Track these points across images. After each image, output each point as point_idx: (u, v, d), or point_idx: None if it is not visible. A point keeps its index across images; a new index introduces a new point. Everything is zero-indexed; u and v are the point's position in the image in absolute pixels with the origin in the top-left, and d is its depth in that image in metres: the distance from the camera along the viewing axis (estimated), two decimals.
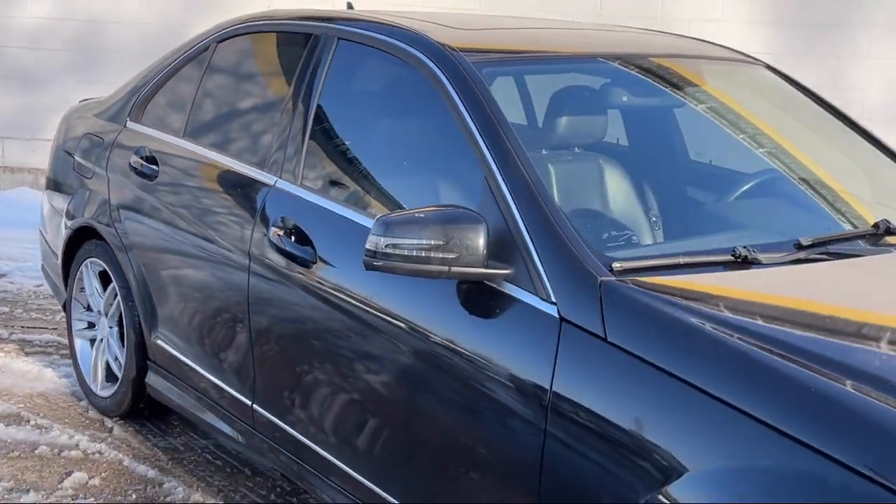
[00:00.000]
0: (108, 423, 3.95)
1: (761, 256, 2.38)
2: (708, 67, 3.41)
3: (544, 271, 2.30)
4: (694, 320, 2.07)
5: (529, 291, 2.31)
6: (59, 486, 3.44)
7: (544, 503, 2.19)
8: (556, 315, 2.24)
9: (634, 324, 2.13)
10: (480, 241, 2.31)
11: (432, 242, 2.30)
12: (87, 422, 3.97)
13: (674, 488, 1.93)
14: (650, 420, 2.03)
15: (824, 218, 3.00)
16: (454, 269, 2.31)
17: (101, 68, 7.73)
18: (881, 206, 3.18)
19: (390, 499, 2.66)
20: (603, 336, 2.15)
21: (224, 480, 3.54)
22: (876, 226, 2.69)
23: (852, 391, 1.85)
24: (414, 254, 2.31)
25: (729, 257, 2.38)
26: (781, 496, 1.80)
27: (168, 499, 3.40)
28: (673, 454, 1.97)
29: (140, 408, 3.89)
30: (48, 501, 3.33)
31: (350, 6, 3.98)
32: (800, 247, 2.48)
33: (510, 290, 2.34)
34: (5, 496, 3.35)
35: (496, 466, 2.34)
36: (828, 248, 2.49)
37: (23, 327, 5.01)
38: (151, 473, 3.56)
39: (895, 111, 8.00)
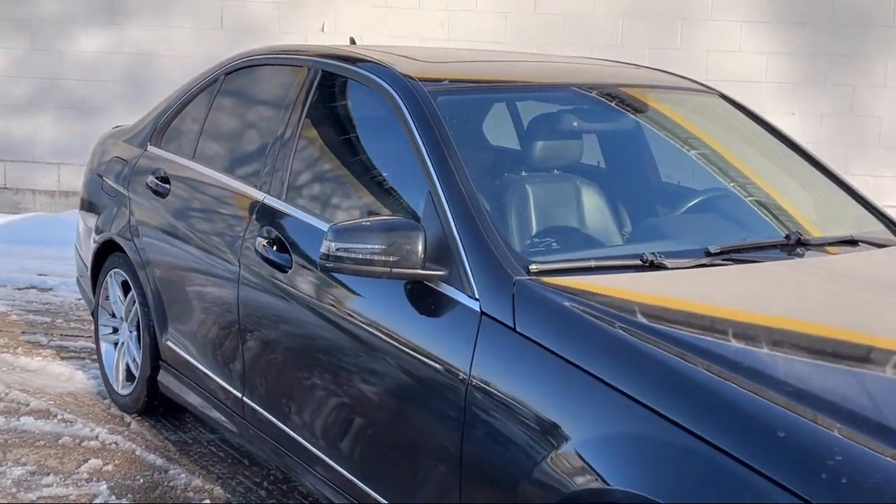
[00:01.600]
0: (127, 418, 4.36)
1: (668, 262, 2.70)
2: (666, 96, 3.73)
3: (471, 272, 2.63)
4: (584, 314, 2.40)
5: (459, 290, 2.64)
6: (76, 470, 3.84)
7: (465, 463, 2.51)
8: (478, 309, 2.57)
9: (537, 316, 2.46)
10: (419, 247, 2.66)
11: (377, 247, 2.65)
12: (109, 417, 4.38)
13: (560, 451, 2.25)
14: (545, 396, 2.36)
15: (763, 229, 3.29)
16: (395, 270, 2.66)
17: (150, 99, 8.15)
18: (824, 222, 3.48)
19: (350, 476, 3.00)
20: (512, 326, 2.48)
21: (224, 469, 3.91)
22: (787, 237, 3.00)
23: (705, 372, 2.16)
24: (361, 257, 2.66)
25: (638, 262, 2.70)
26: (638, 456, 2.12)
27: (171, 483, 3.77)
28: (561, 425, 2.29)
29: (155, 405, 4.28)
30: (64, 484, 3.73)
31: (352, 41, 4.37)
32: (708, 254, 2.80)
33: (444, 288, 2.68)
34: (28, 478, 3.75)
35: (431, 437, 2.66)
36: (731, 255, 2.80)
37: (61, 335, 5.46)
38: (159, 462, 3.94)
39: None
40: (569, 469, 2.23)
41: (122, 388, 4.41)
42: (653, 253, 2.72)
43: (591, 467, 2.20)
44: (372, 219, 2.77)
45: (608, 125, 3.49)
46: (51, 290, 6.40)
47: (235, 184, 3.67)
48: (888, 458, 1.88)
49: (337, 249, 2.68)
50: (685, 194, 3.46)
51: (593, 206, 3.12)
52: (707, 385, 2.13)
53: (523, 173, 3.18)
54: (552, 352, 2.37)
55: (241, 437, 3.66)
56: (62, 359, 5.08)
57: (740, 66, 8.19)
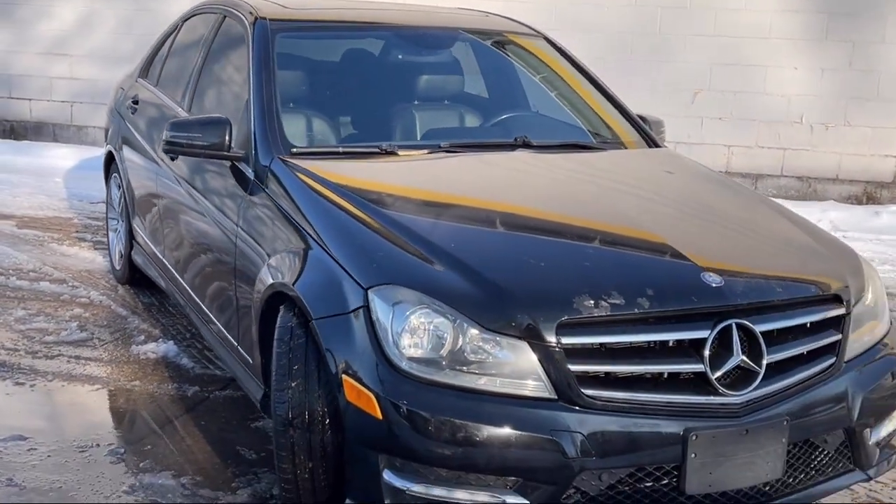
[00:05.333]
0: (119, 288, 5.69)
1: (400, 151, 3.76)
2: (496, 38, 4.72)
3: (255, 153, 3.76)
4: (299, 178, 3.49)
5: (248, 166, 3.78)
6: (62, 315, 5.18)
7: (237, 268, 3.66)
8: (253, 177, 3.70)
9: (277, 181, 3.57)
10: (225, 136, 3.79)
11: (195, 135, 3.81)
12: (106, 286, 5.72)
13: (271, 263, 3.36)
14: (267, 232, 3.48)
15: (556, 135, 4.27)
16: (207, 152, 3.82)
17: None
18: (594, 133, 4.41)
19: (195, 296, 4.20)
20: (265, 188, 3.60)
21: (168, 321, 5.19)
22: (515, 139, 3.99)
23: (345, 214, 3.23)
24: (185, 143, 3.83)
25: (377, 150, 3.77)
26: (307, 267, 3.20)
27: (125, 326, 5.07)
28: (273, 248, 3.41)
29: (137, 277, 5.58)
30: (48, 321, 5.08)
31: None
32: (439, 147, 3.83)
33: (243, 166, 3.82)
34: (26, 317, 5.12)
35: (226, 271, 3.81)
36: (455, 149, 3.82)
37: (104, 235, 6.86)
38: (125, 313, 5.25)
39: None
40: (274, 272, 3.33)
41: (118, 265, 5.74)
42: (390, 144, 3.78)
43: (281, 272, 3.30)
44: (196, 116, 3.93)
45: (423, 57, 4.52)
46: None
47: (170, 102, 4.90)
48: (412, 255, 2.93)
49: (172, 137, 3.86)
50: (491, 111, 4.46)
51: (376, 111, 4.17)
52: (342, 223, 3.21)
53: (325, 90, 4.27)
54: (276, 203, 3.49)
55: (169, 291, 4.90)
56: (95, 249, 6.48)
57: (747, 22, 8.86)
